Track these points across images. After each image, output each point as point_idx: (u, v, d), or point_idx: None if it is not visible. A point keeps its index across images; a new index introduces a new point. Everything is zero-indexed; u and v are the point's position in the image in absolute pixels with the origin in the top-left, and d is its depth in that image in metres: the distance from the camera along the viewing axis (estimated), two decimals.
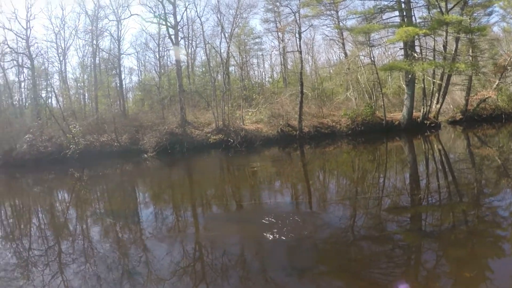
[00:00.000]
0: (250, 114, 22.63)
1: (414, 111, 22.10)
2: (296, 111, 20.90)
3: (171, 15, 24.92)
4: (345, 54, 26.94)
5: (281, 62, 29.35)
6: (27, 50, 28.65)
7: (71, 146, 22.26)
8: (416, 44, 22.17)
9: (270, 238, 5.92)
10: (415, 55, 20.93)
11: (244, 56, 28.48)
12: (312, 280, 4.64)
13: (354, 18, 24.43)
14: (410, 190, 8.81)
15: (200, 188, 12.11)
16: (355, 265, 4.88)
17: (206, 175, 14.44)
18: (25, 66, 30.50)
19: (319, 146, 18.50)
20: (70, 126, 23.49)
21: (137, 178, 16.32)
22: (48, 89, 31.69)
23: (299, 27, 22.64)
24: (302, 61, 22.76)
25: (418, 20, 21.84)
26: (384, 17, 22.85)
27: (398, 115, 22.36)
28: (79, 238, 7.83)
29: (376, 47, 24.36)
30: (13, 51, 29.29)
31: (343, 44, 27.10)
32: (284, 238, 5.82)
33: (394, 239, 5.83)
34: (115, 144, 22.64)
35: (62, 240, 7.72)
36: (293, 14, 23.01)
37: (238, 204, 9.24)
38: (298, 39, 22.88)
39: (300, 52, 22.61)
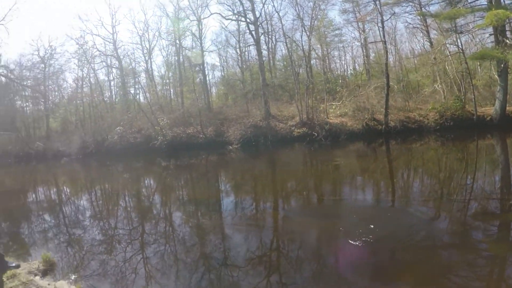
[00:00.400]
0: (334, 107, 22.26)
1: (507, 105, 19.58)
2: (382, 105, 20.06)
3: (250, 12, 25.58)
4: (430, 42, 25.61)
5: (363, 53, 28.41)
6: (115, 52, 31.38)
7: (159, 137, 23.78)
8: (507, 29, 20.22)
9: (348, 236, 5.64)
10: (507, 41, 19.02)
11: (325, 48, 28.14)
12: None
13: (437, 3, 23.00)
14: (501, 194, 7.84)
15: (282, 180, 12.06)
16: (431, 272, 4.51)
17: (289, 168, 14.39)
18: (114, 66, 33.45)
19: (405, 141, 17.58)
20: (158, 119, 25.11)
21: (220, 169, 16.80)
22: (136, 86, 34.34)
23: (381, 16, 21.57)
24: (387, 51, 21.76)
25: (507, 2, 19.71)
26: (469, 0, 21.34)
27: (490, 110, 20.05)
28: (161, 221, 8.27)
29: (464, 34, 22.78)
30: (102, 54, 32.33)
31: (427, 32, 25.74)
32: (363, 238, 5.49)
33: (478, 248, 5.28)
34: (201, 136, 23.68)
35: (145, 222, 8.20)
36: (372, 2, 22.10)
37: (319, 198, 9.06)
38: (381, 29, 21.94)
39: (385, 42, 21.58)
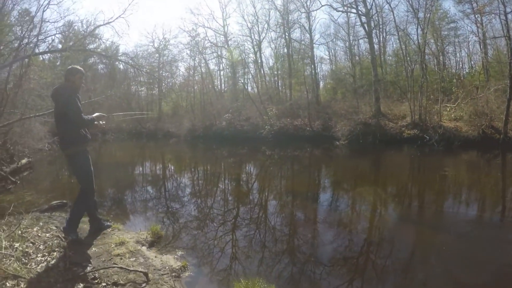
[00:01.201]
0: (448, 109, 21.27)
1: None
2: (502, 110, 18.23)
3: (361, 3, 25.46)
4: None
5: (480, 50, 25.90)
6: (226, 43, 33.63)
7: (266, 127, 25.35)
8: None
9: (443, 248, 5.47)
10: None
11: (439, 43, 26.38)
12: None
13: None
14: None
15: (383, 183, 11.54)
16: None
17: (394, 171, 14.08)
18: (223, 57, 36.53)
19: None
20: (267, 109, 26.55)
21: (324, 164, 17.01)
22: (245, 77, 36.69)
23: (504, 7, 19.26)
24: (511, 48, 19.45)
25: None
26: None
27: None
28: (256, 207, 8.55)
29: None
30: (213, 45, 35.14)
31: None
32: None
33: None
34: (307, 128, 24.68)
35: (240, 206, 8.64)
36: None
37: (419, 207, 8.62)
38: (504, 21, 19.82)
39: (508, 38, 19.43)
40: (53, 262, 4.54)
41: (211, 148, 24.12)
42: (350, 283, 4.55)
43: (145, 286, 4.03)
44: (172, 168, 16.63)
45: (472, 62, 28.47)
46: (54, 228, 5.83)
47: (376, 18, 28.18)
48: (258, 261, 5.18)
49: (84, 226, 5.74)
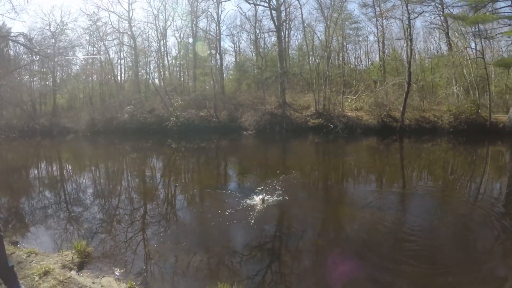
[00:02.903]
0: (349, 100, 22.24)
1: None
2: (400, 102, 20.12)
3: None
4: (449, 44, 25.52)
5: (378, 49, 27.91)
6: (129, 30, 31.03)
7: (171, 118, 23.77)
8: None
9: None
10: None
11: (342, 41, 27.86)
12: None
13: (460, 6, 22.94)
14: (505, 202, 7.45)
15: (291, 168, 11.54)
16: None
17: (301, 157, 14.46)
18: (127, 44, 32.97)
19: (418, 141, 17.58)
20: (172, 100, 25.17)
21: (231, 153, 16.84)
22: (149, 67, 34.04)
23: (408, 14, 21.39)
24: (411, 49, 21.86)
25: None
26: (496, 6, 21.27)
27: (503, 117, 19.92)
28: (163, 203, 8.21)
29: (486, 39, 22.67)
30: (116, 31, 31.96)
31: (447, 33, 25.69)
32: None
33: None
34: (214, 120, 23.71)
35: (148, 203, 8.15)
36: None
37: (326, 186, 9.34)
38: (407, 26, 21.82)
39: (410, 40, 21.60)
40: None
41: (113, 143, 21.75)
42: (268, 266, 4.60)
43: None
44: (73, 168, 14.39)
45: (370, 60, 30.47)
46: None
47: (284, 13, 28.49)
48: (212, 262, 4.85)
49: None
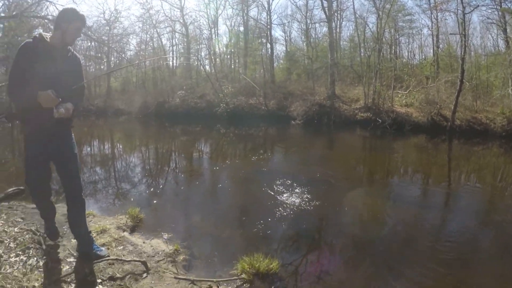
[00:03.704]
0: (399, 96, 21.93)
1: None
2: (451, 100, 19.42)
3: None
4: (506, 41, 24.54)
5: (433, 43, 27.11)
6: (181, 18, 32.01)
7: (221, 104, 24.60)
8: None
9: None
10: None
11: (394, 34, 27.51)
12: None
13: None
14: None
15: (338, 160, 12.14)
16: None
17: (349, 150, 14.71)
18: (178, 32, 34.22)
19: (467, 143, 16.80)
20: (222, 87, 25.92)
21: (278, 142, 17.23)
22: (200, 53, 35.06)
23: (463, 7, 20.44)
24: (465, 45, 20.88)
25: None
26: None
27: None
28: (209, 182, 9.12)
29: None
30: (168, 19, 33.10)
31: (505, 29, 24.67)
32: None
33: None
34: (263, 108, 24.35)
35: (195, 181, 8.97)
36: None
37: (372, 181, 9.53)
38: (461, 20, 20.93)
39: (464, 36, 20.60)
40: (30, 261, 3.69)
41: (164, 126, 22.92)
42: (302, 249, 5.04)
43: (146, 276, 3.62)
44: (124, 147, 15.39)
45: (423, 54, 29.78)
46: (20, 220, 4.84)
47: (336, 3, 28.39)
48: (250, 236, 5.28)
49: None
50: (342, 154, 13.81)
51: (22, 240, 4.18)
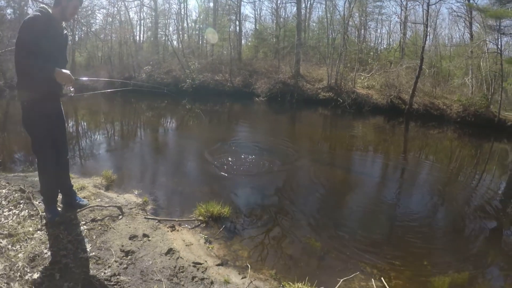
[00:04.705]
0: (362, 78, 22.43)
1: None
2: (410, 85, 20.01)
3: None
4: (471, 35, 25.26)
5: (400, 30, 27.65)
6: None
7: (187, 80, 24.34)
8: None
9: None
10: None
11: (363, 17, 27.87)
12: None
13: None
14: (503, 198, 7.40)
15: (299, 135, 12.75)
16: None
17: (309, 127, 15.08)
18: (146, 6, 33.31)
19: (424, 126, 17.40)
20: (189, 63, 25.61)
21: (243, 117, 17.59)
22: (168, 28, 34.30)
23: None
24: (426, 35, 21.36)
25: None
26: None
27: None
28: (175, 150, 9.99)
29: (506, 35, 22.43)
30: None
31: (470, 23, 25.36)
32: None
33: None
34: (228, 84, 24.28)
35: (161, 149, 10.07)
36: None
37: (331, 154, 10.02)
38: (425, 11, 21.53)
39: (426, 26, 21.02)
40: (22, 213, 4.40)
41: (130, 102, 22.51)
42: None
43: (121, 217, 4.45)
44: (89, 124, 15.05)
45: (391, 40, 30.44)
46: (6, 184, 5.33)
47: None
48: (208, 191, 6.10)
49: None
50: (303, 129, 14.27)
51: (12, 198, 4.83)
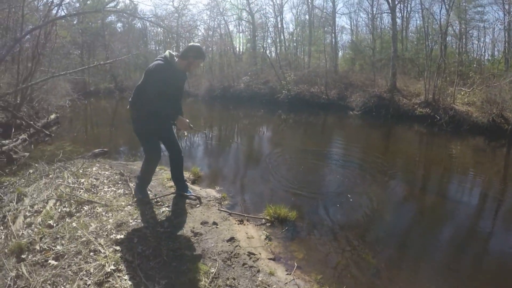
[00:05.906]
0: (463, 93, 21.15)
1: None
2: None
3: None
4: None
5: (504, 39, 24.39)
6: (247, 6, 33.66)
7: (283, 91, 26.03)
8: None
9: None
10: None
11: (463, 26, 25.67)
12: None
13: None
14: None
15: (393, 152, 12.66)
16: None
17: (404, 144, 14.92)
18: (244, 20, 36.49)
19: None
20: (285, 74, 26.98)
21: (337, 130, 18.40)
22: (265, 41, 36.99)
23: None
24: None
25: None
26: None
27: None
28: (273, 156, 10.70)
29: None
30: (234, 7, 35.70)
31: None
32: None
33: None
34: (323, 96, 25.41)
35: (258, 156, 11.36)
36: None
37: (426, 177, 9.70)
38: None
39: None
40: (119, 191, 5.64)
41: (228, 109, 25.11)
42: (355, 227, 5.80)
43: (199, 206, 5.42)
44: (194, 124, 17.19)
45: (496, 50, 27.00)
46: (109, 168, 6.95)
47: None
48: (280, 193, 7.06)
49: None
50: (397, 147, 14.29)
51: (112, 179, 6.25)
